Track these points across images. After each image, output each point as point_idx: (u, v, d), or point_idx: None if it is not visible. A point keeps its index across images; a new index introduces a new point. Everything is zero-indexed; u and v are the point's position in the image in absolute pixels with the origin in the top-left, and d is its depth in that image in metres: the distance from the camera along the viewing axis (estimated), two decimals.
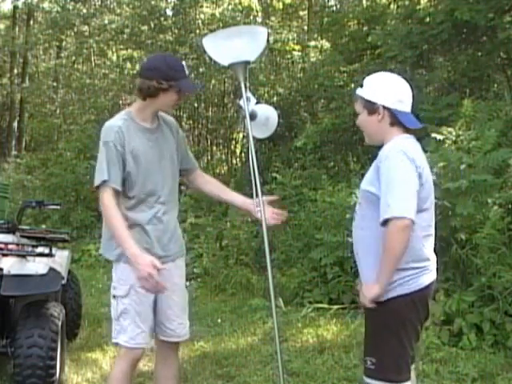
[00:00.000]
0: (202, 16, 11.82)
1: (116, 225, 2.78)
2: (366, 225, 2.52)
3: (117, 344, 2.96)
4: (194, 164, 3.19)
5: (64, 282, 4.12)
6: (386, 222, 2.39)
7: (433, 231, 2.60)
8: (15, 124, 20.60)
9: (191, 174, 3.18)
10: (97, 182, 2.81)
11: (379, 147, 2.61)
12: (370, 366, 2.52)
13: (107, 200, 2.79)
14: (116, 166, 2.80)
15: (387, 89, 2.55)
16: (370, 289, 2.49)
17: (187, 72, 2.92)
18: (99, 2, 15.82)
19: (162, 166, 2.94)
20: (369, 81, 2.61)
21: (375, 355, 2.52)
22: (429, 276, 2.53)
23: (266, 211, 3.02)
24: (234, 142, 12.07)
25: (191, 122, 13.34)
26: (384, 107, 2.53)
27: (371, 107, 2.56)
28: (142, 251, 2.78)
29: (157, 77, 2.82)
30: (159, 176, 2.93)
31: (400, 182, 2.40)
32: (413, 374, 2.70)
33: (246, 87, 3.09)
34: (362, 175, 2.70)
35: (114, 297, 2.92)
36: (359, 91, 2.61)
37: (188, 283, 3.33)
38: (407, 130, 2.57)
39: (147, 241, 2.90)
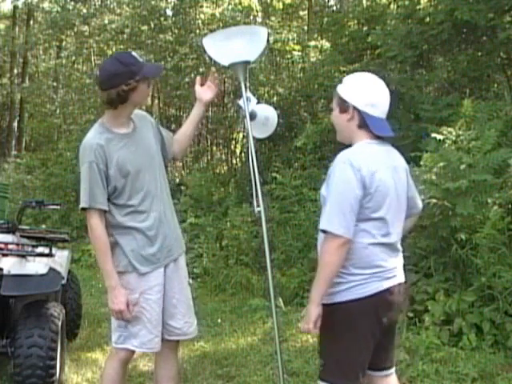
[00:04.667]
0: (202, 16, 11.80)
1: (101, 250, 2.83)
2: None
3: (124, 349, 2.94)
4: (171, 138, 3.15)
5: (64, 282, 4.12)
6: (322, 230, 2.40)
7: (393, 240, 2.49)
8: (15, 124, 20.65)
9: (174, 145, 3.14)
10: (82, 204, 2.82)
11: None
12: (320, 367, 2.52)
13: (94, 224, 2.82)
14: (100, 186, 2.80)
15: (361, 90, 2.50)
16: (308, 312, 2.43)
17: (141, 59, 2.87)
18: (99, 2, 15.80)
19: (149, 167, 2.94)
20: (347, 79, 2.58)
21: (323, 357, 2.52)
22: (382, 283, 2.44)
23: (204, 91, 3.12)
24: (234, 142, 12.06)
25: None
26: (354, 108, 2.49)
27: (343, 105, 2.52)
28: (125, 274, 2.85)
29: (122, 80, 2.77)
30: (149, 177, 2.93)
31: (337, 195, 2.38)
32: (392, 381, 2.66)
33: (246, 87, 3.09)
34: None
35: None
36: (338, 87, 2.57)
37: (191, 281, 3.34)
38: (376, 135, 2.51)
39: (151, 245, 2.91)
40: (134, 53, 2.93)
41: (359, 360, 2.46)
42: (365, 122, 2.48)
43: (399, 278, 2.55)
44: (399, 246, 2.57)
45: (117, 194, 2.86)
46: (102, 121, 2.94)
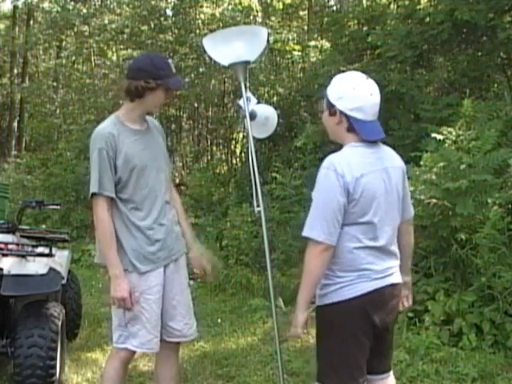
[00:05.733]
0: (202, 16, 11.81)
1: (105, 240, 2.84)
2: None
3: (125, 349, 2.94)
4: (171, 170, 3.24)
5: (64, 281, 4.11)
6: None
7: (382, 243, 2.44)
8: (15, 124, 20.63)
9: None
10: (92, 189, 2.83)
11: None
12: (317, 370, 2.52)
13: (101, 212, 2.83)
14: (108, 173, 2.82)
15: (347, 94, 2.42)
16: (295, 317, 2.45)
17: (174, 70, 2.93)
18: (99, 2, 15.81)
19: (155, 167, 2.96)
20: (335, 80, 2.50)
21: (318, 360, 2.52)
22: (369, 284, 2.41)
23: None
24: (233, 142, 12.07)
25: (191, 121, 13.34)
26: (341, 112, 2.43)
27: (331, 109, 2.47)
28: (125, 274, 2.86)
29: (144, 76, 2.84)
30: (154, 176, 2.94)
31: (320, 202, 2.38)
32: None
33: (246, 87, 3.10)
34: None
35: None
36: (328, 88, 2.49)
37: (192, 282, 3.35)
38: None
39: (151, 244, 2.91)
40: (170, 60, 2.98)
41: (351, 360, 2.43)
42: (353, 127, 2.43)
43: (392, 279, 2.50)
44: (393, 248, 2.51)
45: (121, 186, 2.87)
46: (117, 113, 2.99)
